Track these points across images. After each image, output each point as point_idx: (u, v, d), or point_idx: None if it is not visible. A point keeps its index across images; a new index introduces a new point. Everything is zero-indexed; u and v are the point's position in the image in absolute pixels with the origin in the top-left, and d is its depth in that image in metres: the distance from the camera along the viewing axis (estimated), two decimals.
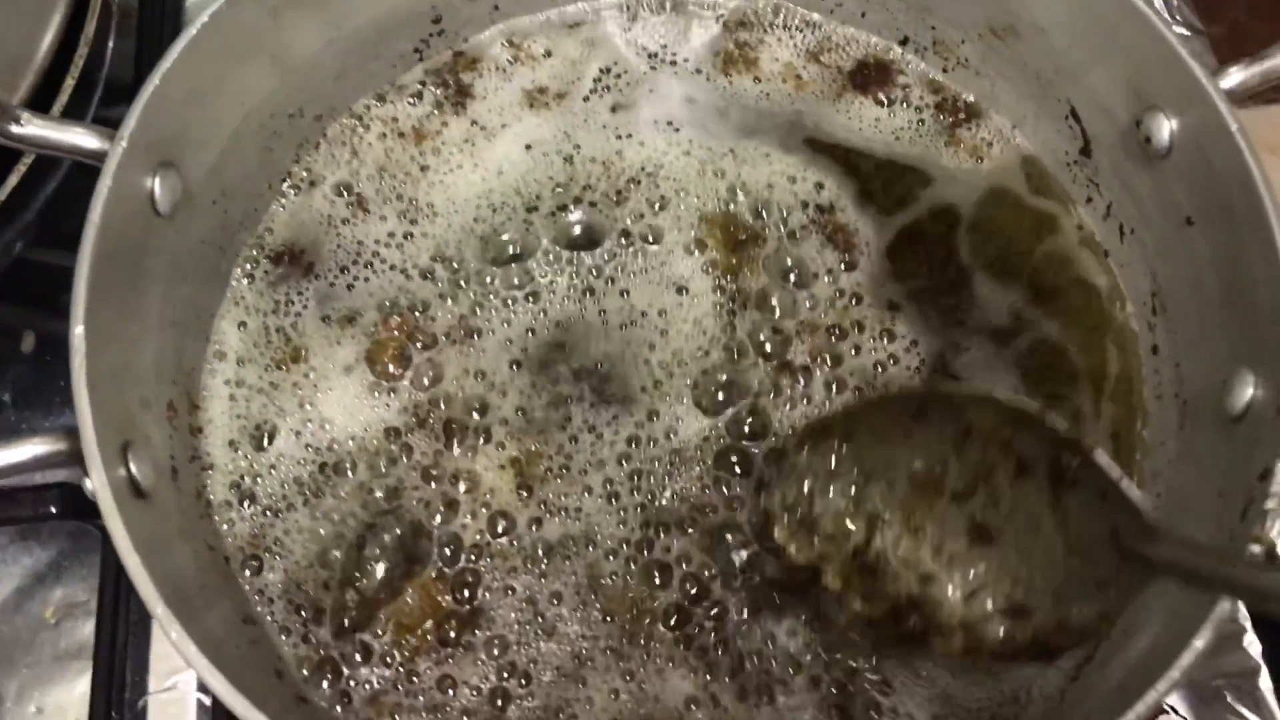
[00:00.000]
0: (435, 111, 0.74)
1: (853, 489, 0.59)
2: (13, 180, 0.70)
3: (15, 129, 0.59)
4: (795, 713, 0.60)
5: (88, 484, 0.53)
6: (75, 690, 0.71)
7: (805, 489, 0.59)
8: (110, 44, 0.78)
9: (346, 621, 0.61)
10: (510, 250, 0.71)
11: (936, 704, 0.61)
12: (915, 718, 0.61)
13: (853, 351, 0.69)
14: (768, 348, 0.68)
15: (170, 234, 0.63)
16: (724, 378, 0.67)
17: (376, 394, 0.67)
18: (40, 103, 0.71)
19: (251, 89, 0.68)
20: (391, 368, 0.67)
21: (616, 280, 0.70)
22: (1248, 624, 0.73)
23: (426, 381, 0.67)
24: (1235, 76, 0.61)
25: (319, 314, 0.69)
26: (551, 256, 0.71)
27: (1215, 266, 0.62)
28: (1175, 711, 0.71)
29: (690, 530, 0.64)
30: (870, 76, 0.75)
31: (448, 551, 0.63)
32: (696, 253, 0.71)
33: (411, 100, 0.75)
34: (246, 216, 0.70)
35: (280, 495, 0.64)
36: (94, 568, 0.73)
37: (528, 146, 0.74)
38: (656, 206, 0.72)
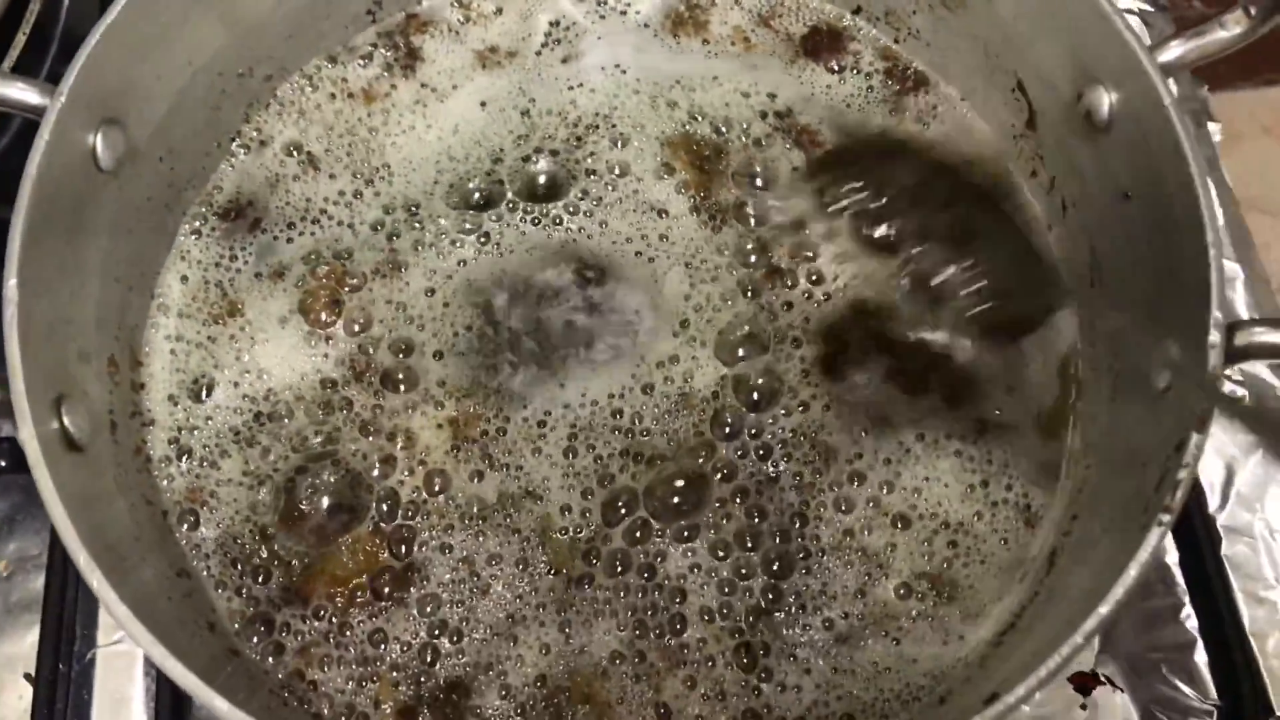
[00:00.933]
0: (385, 74, 0.75)
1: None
2: None
3: None
4: (707, 665, 0.61)
5: (19, 436, 0.54)
6: (25, 642, 0.72)
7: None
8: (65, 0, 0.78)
9: (280, 573, 0.62)
10: (476, 198, 0.72)
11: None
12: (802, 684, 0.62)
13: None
14: (753, 259, 0.70)
15: (114, 190, 0.64)
16: (748, 328, 0.69)
17: (313, 343, 0.68)
18: None
19: (200, 47, 0.68)
20: (324, 316, 0.68)
21: (593, 214, 0.71)
22: (1186, 599, 0.74)
23: (357, 327, 0.68)
24: (1173, 51, 0.61)
25: (256, 269, 0.69)
26: (520, 200, 0.72)
27: (1149, 241, 0.62)
28: (1112, 683, 0.72)
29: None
30: (822, 43, 0.75)
31: (385, 507, 0.64)
32: (666, 176, 0.72)
33: (362, 61, 0.75)
34: (194, 175, 0.70)
35: (216, 446, 0.65)
36: (46, 522, 0.73)
37: (483, 104, 0.74)
38: (619, 144, 0.73)
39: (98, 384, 0.62)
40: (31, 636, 0.72)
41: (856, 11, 0.76)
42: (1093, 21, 0.62)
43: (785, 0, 0.76)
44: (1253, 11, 0.60)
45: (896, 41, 0.75)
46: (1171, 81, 0.81)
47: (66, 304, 0.60)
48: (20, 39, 0.71)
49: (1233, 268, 0.84)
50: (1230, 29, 0.60)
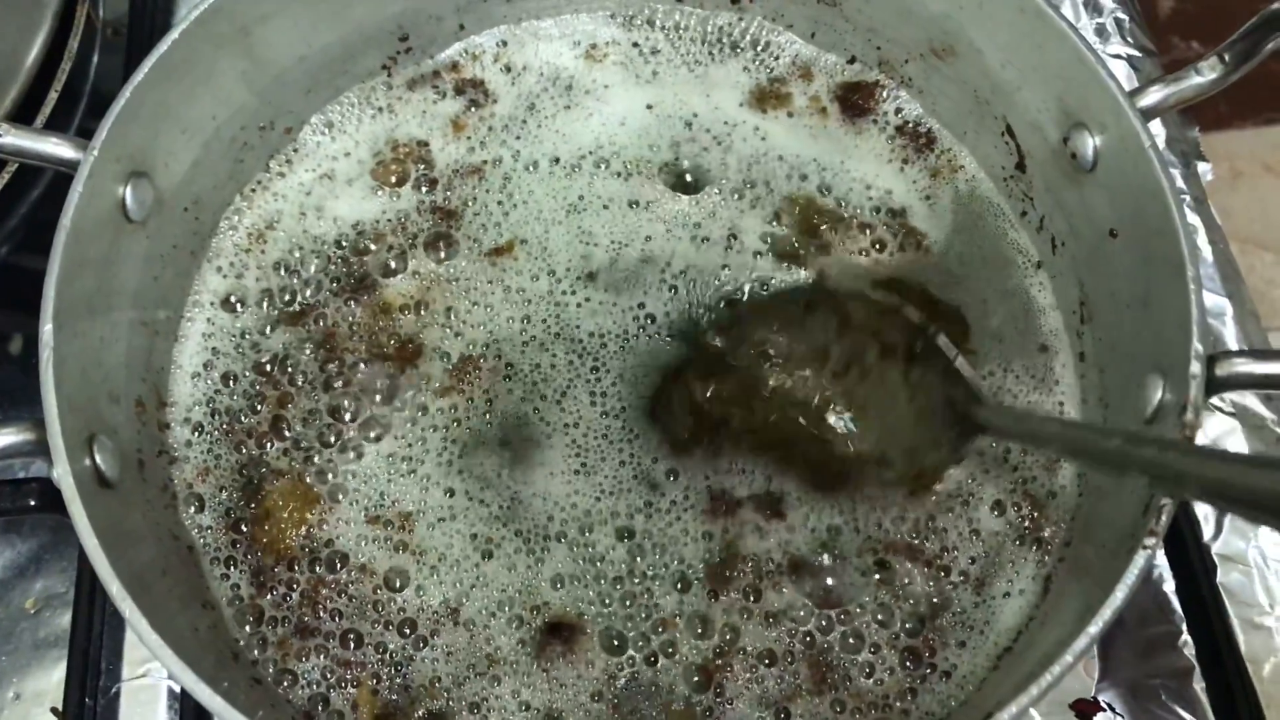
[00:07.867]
0: (471, 107, 0.79)
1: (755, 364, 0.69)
2: None
3: None
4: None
5: (54, 473, 0.56)
6: (53, 677, 0.74)
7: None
8: (95, 58, 0.82)
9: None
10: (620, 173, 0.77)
11: None
12: None
13: None
14: None
15: (142, 239, 0.67)
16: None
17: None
18: (26, 113, 0.74)
19: (222, 103, 0.71)
20: None
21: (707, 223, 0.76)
22: (1183, 626, 0.75)
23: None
24: (1152, 96, 0.64)
25: None
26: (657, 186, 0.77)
27: (1133, 276, 0.64)
28: (1113, 709, 0.73)
29: None
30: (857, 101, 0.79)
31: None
32: (772, 224, 0.75)
33: (435, 97, 0.79)
34: (218, 223, 0.73)
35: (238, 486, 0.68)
36: (73, 560, 0.76)
37: (649, 106, 0.79)
38: (751, 184, 0.77)
39: (126, 424, 0.65)
40: (58, 672, 0.73)
41: (851, 62, 0.79)
42: (1076, 68, 0.65)
43: (806, 57, 0.80)
44: (1227, 59, 0.63)
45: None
46: (1160, 122, 0.84)
47: (98, 348, 0.63)
48: (53, 96, 0.75)
49: (1221, 303, 0.85)
50: (1205, 75, 0.63)
